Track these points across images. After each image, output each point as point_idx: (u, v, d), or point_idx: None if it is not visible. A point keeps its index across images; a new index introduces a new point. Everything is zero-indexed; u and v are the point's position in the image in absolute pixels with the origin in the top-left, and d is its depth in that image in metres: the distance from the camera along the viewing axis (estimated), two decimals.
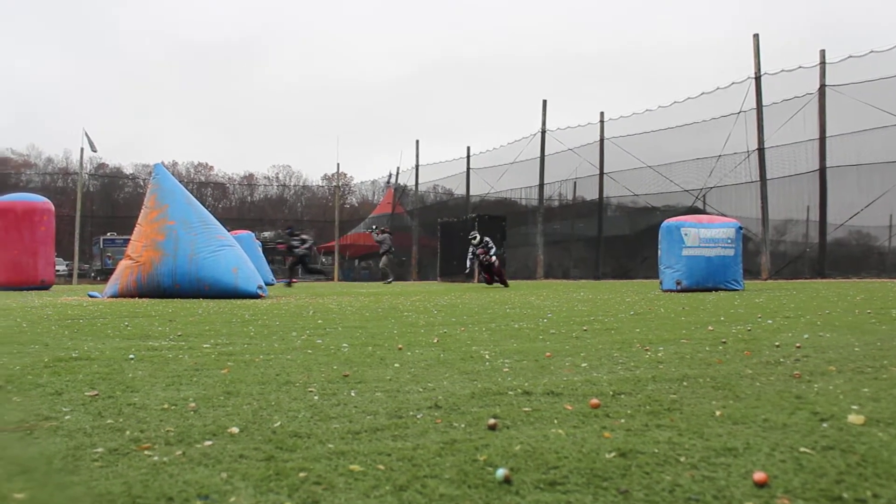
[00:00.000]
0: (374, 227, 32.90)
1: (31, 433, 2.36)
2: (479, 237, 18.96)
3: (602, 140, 34.40)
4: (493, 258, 18.45)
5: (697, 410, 2.60)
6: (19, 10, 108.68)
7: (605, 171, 34.35)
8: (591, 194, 35.58)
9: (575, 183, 36.72)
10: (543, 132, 36.76)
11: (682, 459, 1.95)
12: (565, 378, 3.42)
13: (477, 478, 1.81)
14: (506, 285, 18.62)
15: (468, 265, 18.26)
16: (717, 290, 14.33)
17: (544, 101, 36.84)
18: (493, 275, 18.21)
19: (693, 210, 26.96)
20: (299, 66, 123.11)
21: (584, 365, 3.88)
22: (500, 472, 1.80)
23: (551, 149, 36.61)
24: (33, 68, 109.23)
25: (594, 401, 2.74)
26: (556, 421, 2.47)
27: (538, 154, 37.04)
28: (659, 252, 15.53)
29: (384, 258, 30.82)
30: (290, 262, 26.05)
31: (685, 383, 3.22)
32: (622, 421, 2.45)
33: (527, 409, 2.67)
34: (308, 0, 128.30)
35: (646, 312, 8.19)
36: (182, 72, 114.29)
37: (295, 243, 24.94)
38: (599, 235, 34.54)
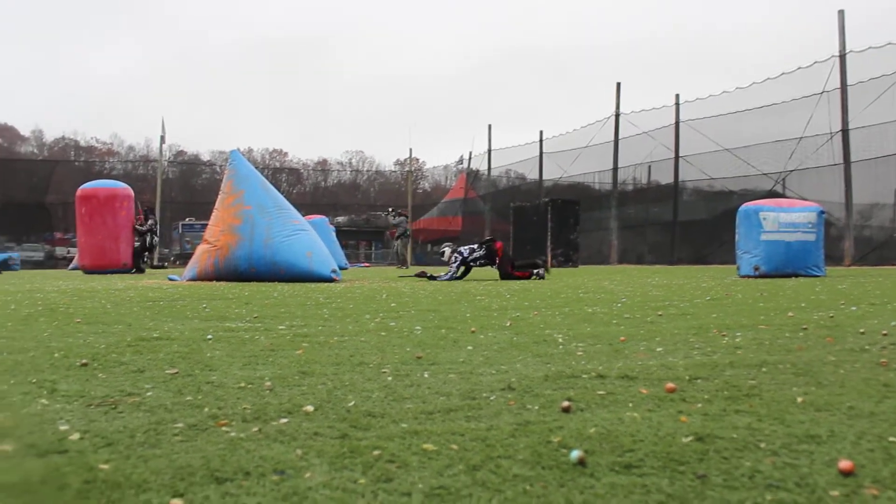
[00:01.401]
0: (390, 209, 31.69)
1: (115, 408, 2.44)
2: (447, 251, 15.58)
3: (677, 123, 33.76)
4: (474, 256, 14.63)
5: (778, 397, 2.53)
6: (102, 9, 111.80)
7: (680, 155, 33.72)
8: (665, 178, 34.98)
9: (649, 166, 36.17)
10: (617, 115, 36.28)
11: (763, 445, 1.90)
12: (640, 362, 3.37)
13: (551, 459, 1.80)
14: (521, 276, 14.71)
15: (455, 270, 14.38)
16: (796, 276, 13.96)
17: (618, 84, 36.34)
18: (508, 270, 14.43)
19: (772, 194, 26.28)
20: (370, 59, 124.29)
21: (659, 349, 3.83)
22: (575, 454, 1.78)
23: (625, 132, 36.12)
24: (116, 62, 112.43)
25: (670, 385, 2.70)
26: (630, 404, 2.43)
27: (612, 137, 36.60)
28: (736, 237, 15.19)
29: (399, 241, 29.80)
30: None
31: (764, 369, 3.14)
32: (699, 406, 2.40)
33: (601, 392, 2.65)
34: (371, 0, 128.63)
35: (722, 298, 8.02)
36: (257, 65, 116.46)
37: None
38: (674, 220, 33.96)
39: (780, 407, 2.36)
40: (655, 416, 2.25)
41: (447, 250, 15.15)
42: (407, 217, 28.15)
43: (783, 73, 28.35)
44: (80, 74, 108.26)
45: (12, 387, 2.83)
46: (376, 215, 19.68)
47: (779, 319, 5.42)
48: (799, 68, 27.28)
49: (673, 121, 33.87)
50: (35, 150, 66.46)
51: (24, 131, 69.75)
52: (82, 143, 67.78)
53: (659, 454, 1.83)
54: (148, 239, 22.81)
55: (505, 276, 14.03)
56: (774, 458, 1.79)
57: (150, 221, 22.91)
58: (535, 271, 14.30)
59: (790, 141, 28.30)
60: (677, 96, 33.91)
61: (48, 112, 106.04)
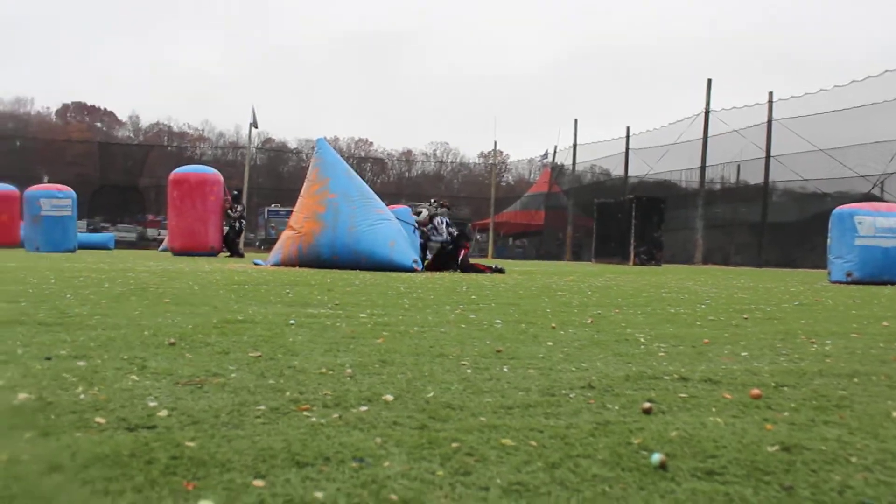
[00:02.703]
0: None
1: (200, 387, 2.50)
2: (424, 212, 14.88)
3: (770, 121, 32.83)
4: (445, 239, 14.25)
5: (870, 409, 2.44)
6: (193, 3, 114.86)
7: (771, 154, 32.77)
8: (755, 178, 34.08)
9: (739, 166, 35.31)
10: (707, 112, 35.50)
11: (854, 460, 1.83)
12: (724, 366, 3.30)
13: (631, 461, 1.77)
14: (461, 270, 14.20)
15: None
16: (893, 283, 13.43)
17: (709, 81, 35.57)
18: (448, 261, 14.11)
19: (869, 197, 25.33)
20: (453, 55, 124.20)
21: (744, 354, 3.73)
22: (656, 457, 1.75)
23: (714, 130, 35.33)
24: (208, 53, 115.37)
25: (755, 391, 2.63)
26: (714, 409, 2.38)
27: (700, 135, 35.83)
28: (828, 241, 14.70)
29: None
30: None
31: (856, 380, 3.03)
32: (785, 414, 2.33)
33: (683, 395, 2.59)
34: None
35: (812, 303, 7.78)
36: (345, 57, 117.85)
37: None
38: (763, 221, 33.07)
39: (872, 420, 2.27)
40: (739, 422, 2.20)
41: (425, 211, 14.94)
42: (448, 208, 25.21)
43: (886, 71, 27.27)
44: (175, 63, 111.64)
45: (105, 362, 2.93)
46: (416, 206, 17.78)
47: (872, 328, 5.23)
48: None
49: (765, 119, 32.95)
50: (131, 135, 68.79)
51: (122, 116, 72.25)
52: (175, 129, 69.87)
53: (743, 462, 1.79)
54: (236, 224, 23.36)
55: (466, 267, 14.04)
56: (867, 474, 1.72)
57: (239, 207, 23.45)
58: (495, 266, 14.63)
59: (891, 142, 27.22)
60: (770, 94, 32.99)
61: (144, 98, 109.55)
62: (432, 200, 15.55)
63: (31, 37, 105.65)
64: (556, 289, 9.11)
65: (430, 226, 14.38)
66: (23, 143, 60.51)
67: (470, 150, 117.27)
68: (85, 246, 28.49)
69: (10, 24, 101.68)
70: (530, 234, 50.97)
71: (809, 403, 2.51)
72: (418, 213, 14.80)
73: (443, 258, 14.20)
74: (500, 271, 14.28)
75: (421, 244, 14.43)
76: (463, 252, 14.37)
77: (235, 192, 24.63)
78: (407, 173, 67.41)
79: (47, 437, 1.85)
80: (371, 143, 76.06)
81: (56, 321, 4.24)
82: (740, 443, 1.95)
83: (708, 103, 35.51)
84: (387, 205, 15.02)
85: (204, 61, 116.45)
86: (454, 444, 1.85)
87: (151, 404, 2.21)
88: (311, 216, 13.67)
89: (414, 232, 14.54)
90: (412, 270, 13.03)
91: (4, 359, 2.95)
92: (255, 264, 14.71)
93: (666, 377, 2.95)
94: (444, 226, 14.37)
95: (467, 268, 14.13)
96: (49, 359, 2.97)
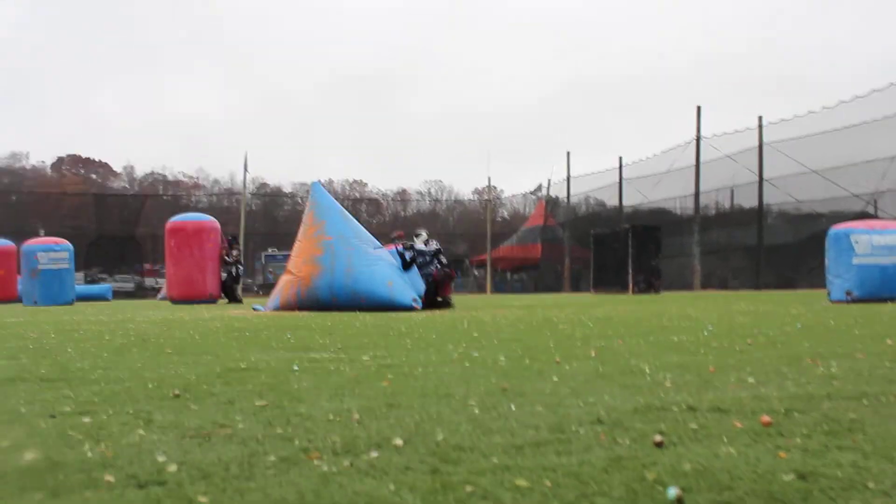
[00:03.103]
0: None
1: (208, 439, 2.48)
2: (423, 234, 14.93)
3: (761, 145, 33.06)
4: (432, 269, 14.24)
5: (883, 432, 2.43)
6: (186, 50, 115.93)
7: (764, 178, 32.94)
8: (749, 202, 34.23)
9: (732, 190, 35.49)
10: (699, 139, 35.75)
11: (871, 485, 1.82)
12: (731, 394, 3.28)
13: (647, 496, 1.76)
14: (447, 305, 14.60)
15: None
16: (893, 300, 13.43)
17: (698, 108, 35.91)
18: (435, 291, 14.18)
19: (863, 215, 25.42)
20: (445, 92, 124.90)
21: (750, 380, 3.71)
22: (672, 492, 1.73)
23: (707, 156, 35.55)
24: (200, 100, 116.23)
25: (765, 418, 2.61)
26: (725, 439, 2.36)
27: (693, 162, 36.03)
28: (826, 261, 14.73)
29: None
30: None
31: (865, 401, 3.01)
32: (798, 441, 2.32)
33: (693, 425, 2.58)
34: (447, 33, 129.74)
35: (814, 325, 7.77)
36: (336, 100, 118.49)
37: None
38: (760, 244, 33.15)
39: (886, 443, 2.26)
40: (752, 451, 2.18)
41: (424, 234, 14.99)
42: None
43: (874, 91, 27.51)
44: (168, 111, 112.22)
45: (111, 417, 2.92)
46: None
47: (876, 347, 5.22)
48: (891, 84, 26.44)
49: (756, 143, 33.17)
50: (126, 185, 68.98)
51: (117, 167, 72.46)
52: (170, 178, 70.07)
53: (759, 492, 1.77)
54: (233, 270, 23.32)
55: (435, 295, 14.16)
56: (886, 500, 1.71)
57: (234, 252, 23.43)
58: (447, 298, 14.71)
59: (883, 160, 27.37)
60: (760, 118, 33.26)
61: (138, 148, 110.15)
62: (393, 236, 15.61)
63: (24, 90, 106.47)
64: (557, 322, 9.09)
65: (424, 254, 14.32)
66: (18, 197, 60.73)
67: (464, 186, 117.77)
68: (83, 298, 28.47)
69: (1, 78, 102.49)
70: (528, 268, 51.00)
71: (821, 428, 2.50)
72: (417, 235, 14.79)
73: (431, 293, 14.19)
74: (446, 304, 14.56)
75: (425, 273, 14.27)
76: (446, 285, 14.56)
77: (231, 238, 24.63)
78: (402, 212, 67.57)
79: (57, 497, 1.84)
80: (366, 184, 76.34)
81: (58, 376, 4.22)
82: (755, 472, 1.93)
83: (699, 130, 35.79)
84: (383, 245, 15.04)
85: (197, 109, 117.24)
86: (468, 488, 1.83)
87: (160, 459, 2.19)
88: (309, 259, 13.69)
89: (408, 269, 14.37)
90: (412, 309, 13.02)
91: (8, 418, 2.93)
92: (255, 310, 14.69)
93: (674, 408, 2.93)
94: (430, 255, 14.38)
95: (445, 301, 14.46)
96: (53, 416, 2.95)
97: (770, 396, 3.17)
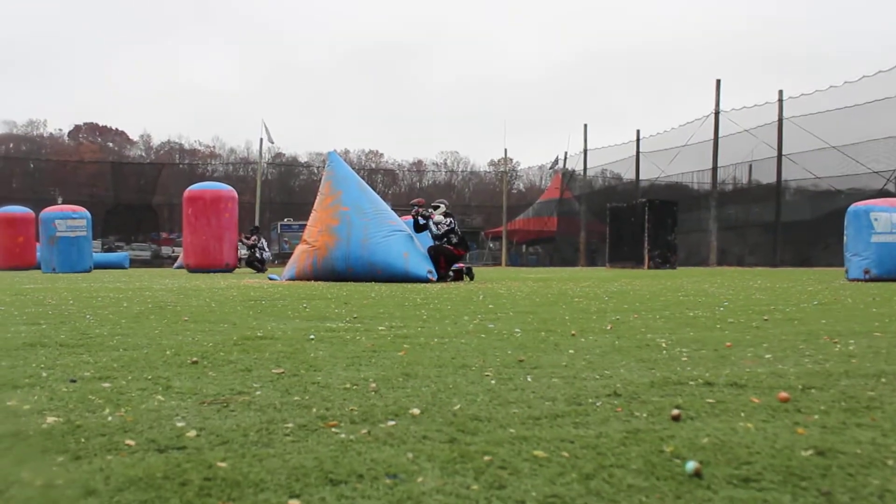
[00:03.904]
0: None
1: (226, 406, 2.50)
2: (442, 206, 14.70)
3: (780, 120, 32.72)
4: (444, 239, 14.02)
5: None
6: (202, 19, 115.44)
7: (783, 153, 32.64)
8: (767, 177, 33.96)
9: (750, 165, 35.21)
10: (717, 113, 35.41)
11: (890, 463, 1.81)
12: (748, 369, 3.27)
13: (665, 469, 1.76)
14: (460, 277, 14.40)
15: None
16: None
17: (717, 81, 35.50)
18: (450, 264, 13.93)
19: (883, 193, 25.19)
20: (464, 62, 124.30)
21: (767, 356, 3.70)
22: (690, 465, 1.73)
23: (725, 130, 35.23)
24: (217, 69, 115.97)
25: (783, 394, 2.61)
26: (742, 414, 2.36)
27: (711, 136, 35.73)
28: (844, 238, 14.62)
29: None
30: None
31: (883, 380, 3.00)
32: (816, 417, 2.31)
33: (710, 400, 2.57)
34: (464, 3, 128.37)
35: (831, 302, 7.73)
36: (352, 70, 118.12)
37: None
38: (777, 221, 32.93)
39: None
40: (770, 426, 2.18)
41: (443, 206, 14.71)
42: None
43: None
44: (184, 81, 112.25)
45: (130, 383, 2.94)
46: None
47: (895, 326, 5.19)
48: None
49: (776, 118, 32.84)
50: (143, 154, 69.15)
51: (134, 136, 72.66)
52: (186, 147, 70.22)
53: (778, 468, 1.77)
54: (257, 253, 23.41)
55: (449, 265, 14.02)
56: None
57: (253, 237, 23.56)
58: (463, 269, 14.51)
59: None
60: (780, 92, 32.89)
61: (155, 117, 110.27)
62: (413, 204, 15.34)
63: (41, 59, 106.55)
64: (572, 295, 9.08)
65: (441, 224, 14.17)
66: (36, 164, 61.06)
67: (480, 157, 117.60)
68: (100, 266, 28.69)
69: (20, 47, 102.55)
70: (543, 241, 50.94)
71: (839, 405, 2.49)
72: (436, 207, 14.61)
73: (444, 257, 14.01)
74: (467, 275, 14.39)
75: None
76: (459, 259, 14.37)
77: (254, 227, 24.86)
78: (418, 183, 67.52)
79: (79, 460, 1.86)
80: (381, 155, 76.28)
81: (77, 342, 4.26)
82: (773, 448, 1.93)
83: (717, 104, 35.45)
84: (399, 216, 15.03)
85: (213, 78, 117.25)
86: (486, 458, 1.84)
87: (179, 424, 2.21)
88: (325, 229, 13.70)
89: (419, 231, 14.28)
90: (427, 281, 13.03)
91: (30, 382, 2.96)
92: (271, 279, 14.74)
93: (691, 382, 2.93)
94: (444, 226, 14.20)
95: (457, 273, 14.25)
96: (74, 381, 2.98)
97: (787, 373, 3.16)
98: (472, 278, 14.29)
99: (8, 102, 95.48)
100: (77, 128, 73.71)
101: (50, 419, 2.28)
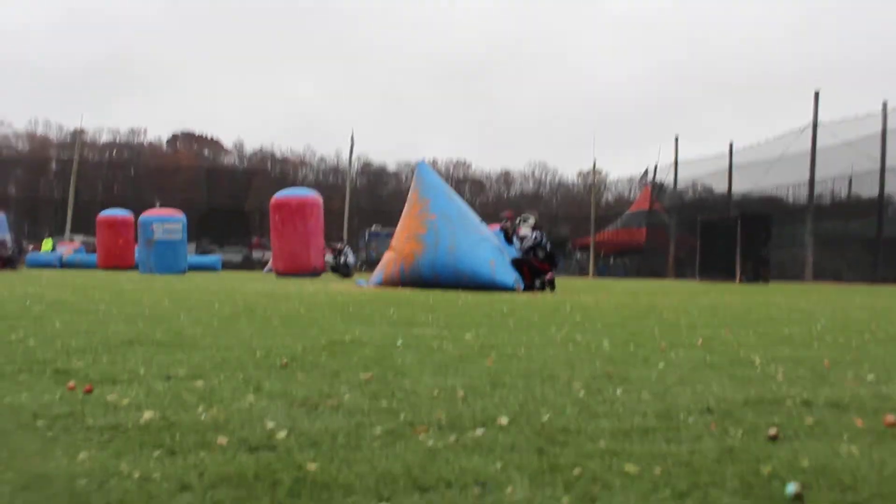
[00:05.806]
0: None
1: (316, 408, 2.53)
2: (532, 219, 14.56)
3: (884, 131, 31.42)
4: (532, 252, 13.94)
5: None
6: (296, 32, 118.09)
7: (887, 166, 31.34)
8: (869, 191, 32.64)
9: (850, 179, 33.94)
10: (815, 125, 34.28)
11: None
12: (849, 390, 3.13)
13: (763, 490, 1.69)
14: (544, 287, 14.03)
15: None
16: None
17: (816, 93, 34.36)
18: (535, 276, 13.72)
19: None
20: (554, 72, 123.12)
21: (870, 377, 3.54)
22: (791, 488, 1.66)
23: (823, 143, 34.03)
24: (310, 81, 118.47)
25: (889, 418, 2.48)
26: (845, 436, 2.26)
27: (807, 148, 34.60)
28: None
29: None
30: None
31: None
32: None
33: (809, 420, 2.47)
34: (554, 16, 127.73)
35: None
36: (442, 81, 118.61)
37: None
38: (879, 236, 31.63)
39: None
40: (876, 451, 2.07)
41: (532, 219, 14.49)
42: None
43: None
44: (276, 92, 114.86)
45: (222, 382, 3.00)
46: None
47: None
48: None
49: (879, 129, 31.59)
50: (236, 162, 70.94)
51: (228, 144, 74.60)
52: (277, 155, 71.69)
53: (886, 496, 1.68)
54: (341, 259, 24.06)
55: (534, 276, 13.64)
56: None
57: (339, 245, 24.17)
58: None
59: None
60: (885, 103, 31.61)
61: (248, 127, 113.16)
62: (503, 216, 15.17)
63: (143, 71, 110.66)
64: (661, 309, 8.91)
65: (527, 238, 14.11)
66: (137, 170, 63.44)
67: (568, 168, 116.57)
68: (194, 267, 29.55)
69: (124, 60, 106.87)
70: (631, 253, 50.19)
71: None
72: (525, 220, 14.52)
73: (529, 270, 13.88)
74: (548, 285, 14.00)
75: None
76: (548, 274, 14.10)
77: (341, 243, 25.72)
78: (505, 194, 67.46)
79: (174, 455, 1.90)
80: (469, 165, 76.32)
81: (172, 341, 4.39)
82: (880, 475, 1.84)
83: (816, 115, 34.33)
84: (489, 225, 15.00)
85: (305, 89, 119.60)
86: (576, 470, 1.80)
87: (270, 425, 2.24)
88: (413, 237, 13.80)
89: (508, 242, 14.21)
90: (513, 290, 12.97)
91: (128, 378, 3.06)
92: (358, 285, 14.93)
93: (788, 401, 2.82)
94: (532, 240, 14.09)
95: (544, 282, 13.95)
96: (169, 378, 3.06)
97: (893, 395, 3.02)
98: (553, 289, 14.09)
99: (113, 112, 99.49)
100: (174, 136, 76.12)
101: (147, 414, 2.34)
